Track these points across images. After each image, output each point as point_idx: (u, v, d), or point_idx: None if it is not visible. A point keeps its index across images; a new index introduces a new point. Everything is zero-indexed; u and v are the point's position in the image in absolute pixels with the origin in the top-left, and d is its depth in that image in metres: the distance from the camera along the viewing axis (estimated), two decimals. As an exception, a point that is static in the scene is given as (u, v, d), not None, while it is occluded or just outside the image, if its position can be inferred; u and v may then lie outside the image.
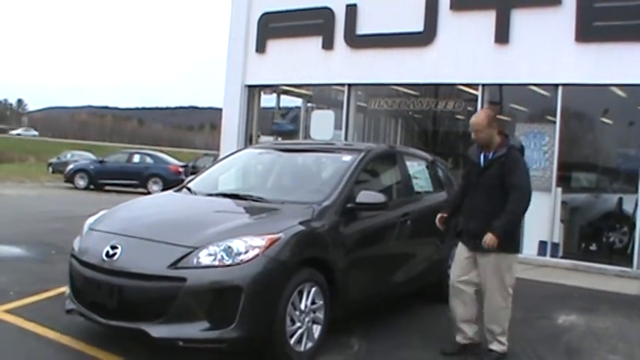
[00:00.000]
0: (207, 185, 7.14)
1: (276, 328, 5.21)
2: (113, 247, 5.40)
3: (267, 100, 16.29)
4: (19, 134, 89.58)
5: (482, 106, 12.42)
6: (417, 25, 13.06)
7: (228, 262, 5.12)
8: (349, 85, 14.34)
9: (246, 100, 15.50)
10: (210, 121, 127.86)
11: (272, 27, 15.01)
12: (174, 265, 5.13)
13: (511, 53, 12.11)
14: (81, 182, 28.58)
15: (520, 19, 12.03)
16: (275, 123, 16.56)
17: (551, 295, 9.22)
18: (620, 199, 12.61)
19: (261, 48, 15.17)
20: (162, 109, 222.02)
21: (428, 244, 7.56)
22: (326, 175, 7.03)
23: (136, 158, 29.27)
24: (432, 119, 15.37)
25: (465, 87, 13.44)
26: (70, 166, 30.42)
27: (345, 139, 14.12)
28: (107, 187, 27.79)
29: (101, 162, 29.73)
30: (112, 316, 5.24)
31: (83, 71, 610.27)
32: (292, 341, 5.40)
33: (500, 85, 12.90)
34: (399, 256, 7.19)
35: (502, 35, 12.14)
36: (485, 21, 12.30)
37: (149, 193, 23.82)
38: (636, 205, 11.40)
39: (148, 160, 29.11)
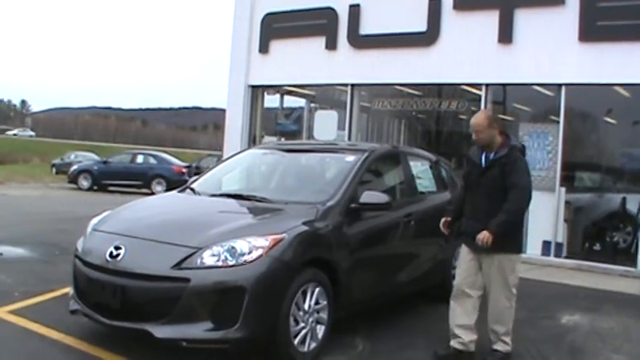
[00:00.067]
0: (211, 186, 7.14)
1: (280, 328, 5.21)
2: (117, 248, 5.41)
3: (271, 101, 16.29)
4: (15, 134, 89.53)
5: (485, 106, 12.42)
6: (421, 25, 13.05)
7: (231, 263, 5.13)
8: (352, 85, 14.34)
9: (249, 100, 15.50)
10: (214, 121, 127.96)
11: (275, 27, 15.01)
12: (177, 265, 5.13)
13: (514, 53, 12.10)
14: (85, 183, 28.61)
15: (523, 18, 12.02)
16: (278, 123, 16.58)
17: (555, 295, 9.21)
18: (624, 198, 12.59)
19: (264, 48, 15.17)
20: (165, 109, 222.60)
21: (431, 245, 7.55)
22: (330, 176, 7.03)
23: (140, 159, 29.30)
24: (436, 119, 15.36)
25: (468, 87, 13.42)
26: (74, 167, 30.44)
27: (349, 139, 14.12)
28: (111, 188, 27.82)
29: (105, 163, 29.75)
30: (116, 316, 5.25)
31: (87, 72, 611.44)
32: (296, 341, 5.39)
33: (504, 85, 12.90)
34: (403, 257, 7.19)
35: (505, 35, 12.13)
36: (488, 21, 12.29)
37: (153, 193, 23.82)
38: (640, 204, 11.40)
39: (152, 160, 29.14)
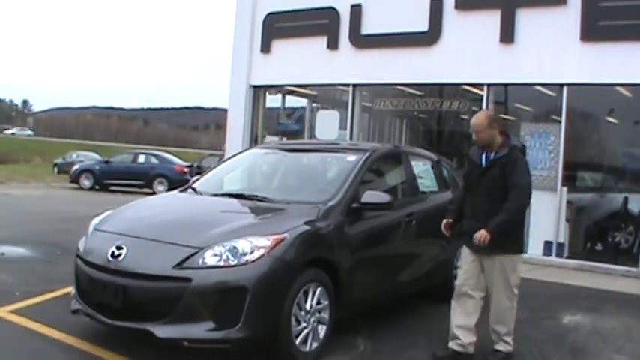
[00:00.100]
0: (213, 185, 7.14)
1: (282, 328, 5.22)
2: (118, 248, 5.41)
3: (273, 101, 16.30)
4: (13, 134, 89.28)
5: (487, 106, 12.42)
6: (422, 25, 13.04)
7: (233, 263, 5.13)
8: (354, 85, 14.33)
9: (251, 100, 15.49)
10: (216, 121, 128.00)
11: (277, 27, 15.01)
12: (179, 265, 5.13)
13: (516, 53, 12.09)
14: (86, 183, 28.62)
15: (525, 18, 12.01)
16: (280, 123, 16.58)
17: (556, 295, 9.20)
18: (626, 198, 12.57)
19: (266, 48, 15.17)
20: (167, 109, 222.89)
21: (433, 244, 7.55)
22: (331, 175, 7.03)
23: (142, 159, 29.32)
24: (437, 119, 15.35)
25: (469, 87, 13.42)
26: (76, 167, 30.46)
27: (350, 139, 14.12)
28: (112, 188, 27.83)
29: (106, 162, 29.77)
30: (118, 316, 5.25)
31: (89, 72, 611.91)
32: (298, 341, 5.40)
33: (506, 84, 12.89)
34: (405, 257, 7.19)
35: (507, 35, 12.12)
36: (490, 21, 12.28)
37: (154, 193, 23.82)
38: (642, 204, 11.39)
39: (154, 160, 29.17)
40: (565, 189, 11.91)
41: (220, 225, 5.58)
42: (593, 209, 13.04)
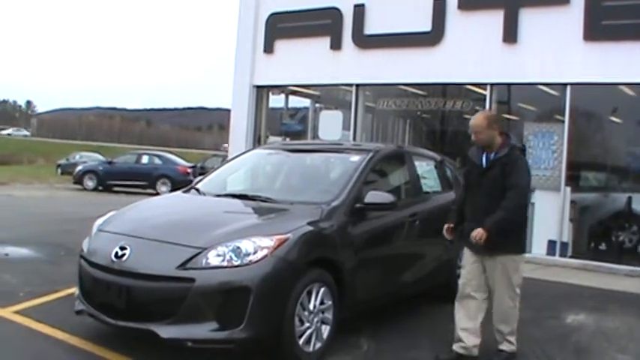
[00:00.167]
0: (216, 186, 7.14)
1: (285, 328, 5.22)
2: (122, 248, 5.42)
3: (276, 101, 16.31)
4: (9, 134, 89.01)
5: (490, 106, 12.42)
6: (425, 25, 13.04)
7: (236, 263, 5.13)
8: (357, 85, 14.33)
9: (254, 100, 15.50)
10: (219, 121, 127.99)
11: (280, 27, 15.01)
12: (182, 265, 5.14)
13: (519, 53, 12.09)
14: (90, 183, 28.68)
15: (528, 18, 12.01)
16: (283, 123, 16.58)
17: (560, 294, 9.19)
18: (630, 198, 12.56)
19: (269, 48, 15.17)
20: (170, 109, 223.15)
21: (436, 244, 7.53)
22: (334, 176, 7.03)
23: (145, 159, 29.37)
24: (440, 119, 15.34)
25: (473, 87, 13.41)
26: (79, 168, 30.54)
27: (354, 139, 14.12)
28: (116, 188, 27.88)
29: (110, 163, 29.85)
30: (121, 316, 5.26)
31: (91, 73, 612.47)
32: (301, 341, 5.39)
33: (509, 84, 12.88)
34: (408, 257, 7.18)
35: (510, 35, 12.12)
36: (493, 20, 12.28)
37: (158, 194, 23.88)
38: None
39: (157, 161, 29.21)
40: (569, 188, 11.90)
41: (224, 225, 5.58)
42: (596, 209, 13.03)
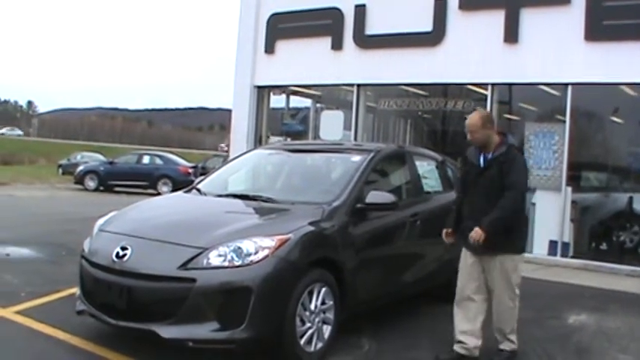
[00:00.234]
0: (217, 186, 7.14)
1: (286, 328, 5.22)
2: (123, 248, 5.42)
3: (277, 101, 16.30)
4: (2, 134, 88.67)
5: (491, 106, 12.42)
6: (426, 25, 13.04)
7: (238, 263, 5.13)
8: (358, 85, 14.34)
9: (255, 100, 15.50)
10: (220, 121, 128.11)
11: (281, 27, 15.01)
12: (184, 265, 5.14)
13: (520, 53, 12.09)
14: (91, 183, 28.69)
15: (529, 18, 12.01)
16: (284, 123, 16.57)
17: (561, 294, 9.19)
18: (631, 198, 12.56)
19: (270, 48, 15.18)
20: (171, 110, 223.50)
21: (438, 244, 7.47)
22: (335, 176, 7.02)
23: (146, 159, 29.39)
24: (441, 119, 15.33)
25: (474, 87, 13.40)
26: (80, 168, 30.54)
27: (355, 139, 14.12)
28: (117, 189, 27.89)
29: (111, 163, 29.86)
30: (122, 316, 5.26)
31: (93, 73, 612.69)
32: (302, 342, 5.40)
33: (510, 84, 12.88)
34: (409, 257, 7.18)
35: (511, 35, 12.12)
36: (494, 20, 12.28)
37: (159, 194, 23.86)
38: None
39: (158, 161, 29.22)
40: (570, 189, 11.90)
41: (225, 225, 5.59)
42: (598, 209, 13.03)
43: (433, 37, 13.01)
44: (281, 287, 5.20)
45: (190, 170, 28.05)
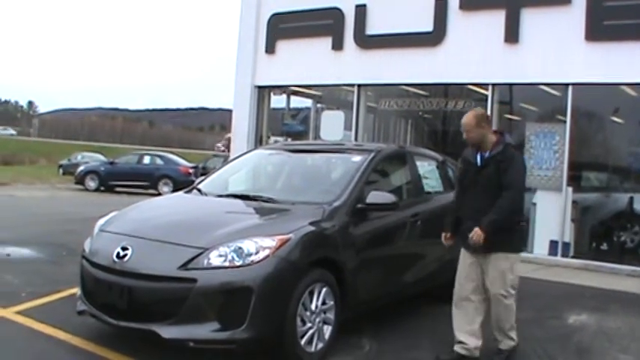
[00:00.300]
0: (218, 186, 7.14)
1: (287, 328, 5.22)
2: (124, 249, 5.42)
3: (277, 101, 16.31)
4: None
5: (492, 106, 12.42)
6: (427, 25, 13.04)
7: (238, 263, 5.13)
8: (359, 85, 14.33)
9: (256, 101, 15.50)
10: (221, 122, 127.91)
11: (281, 28, 15.01)
12: (184, 266, 5.14)
13: (521, 53, 12.08)
14: (91, 184, 28.70)
15: (530, 18, 12.00)
16: (285, 124, 16.58)
17: (562, 294, 9.19)
18: (631, 198, 12.56)
19: (270, 49, 15.18)
20: (172, 110, 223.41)
21: (438, 245, 7.45)
22: (336, 176, 7.03)
23: (147, 160, 29.40)
24: (442, 119, 15.33)
25: (474, 87, 13.40)
26: (81, 168, 30.54)
27: (355, 139, 14.12)
28: (118, 189, 27.90)
29: (112, 163, 29.87)
30: (123, 317, 5.26)
31: (94, 73, 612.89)
32: (303, 342, 5.40)
33: (510, 84, 12.88)
34: (409, 257, 7.18)
35: (512, 35, 12.11)
36: (494, 20, 12.27)
37: (159, 194, 23.86)
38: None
39: (159, 161, 29.23)
40: (570, 189, 11.89)
41: (225, 226, 5.59)
42: (598, 209, 13.03)
43: (434, 37, 13.01)
44: (282, 287, 5.20)
45: (191, 170, 28.06)
